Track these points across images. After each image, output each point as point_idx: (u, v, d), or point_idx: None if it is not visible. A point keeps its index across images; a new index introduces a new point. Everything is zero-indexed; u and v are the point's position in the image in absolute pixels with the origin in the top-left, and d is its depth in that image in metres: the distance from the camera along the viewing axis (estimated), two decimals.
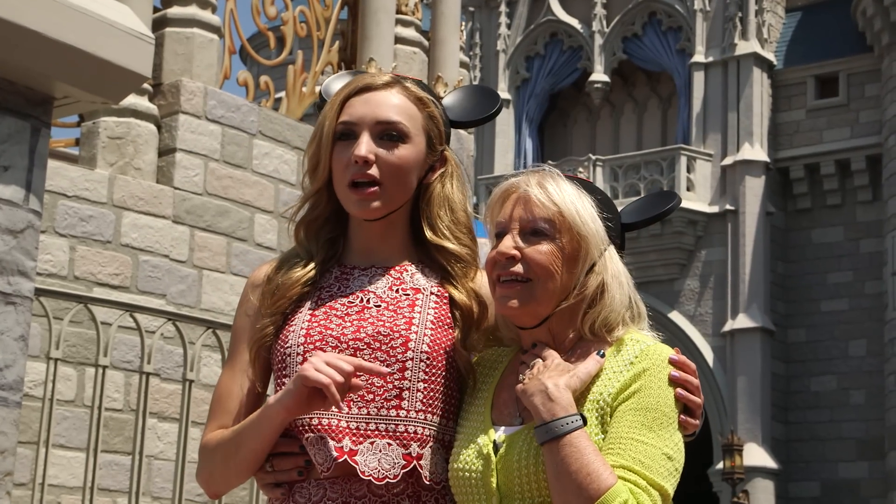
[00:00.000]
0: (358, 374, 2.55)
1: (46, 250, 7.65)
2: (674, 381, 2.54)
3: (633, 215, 2.77)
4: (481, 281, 2.75)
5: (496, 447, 2.56)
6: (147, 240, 8.24)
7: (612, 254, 2.64)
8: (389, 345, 2.65)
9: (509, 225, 2.62)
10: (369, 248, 2.78)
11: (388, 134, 2.71)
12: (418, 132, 2.75)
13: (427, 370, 2.65)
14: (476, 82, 31.93)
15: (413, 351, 2.65)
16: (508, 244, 2.59)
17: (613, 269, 2.63)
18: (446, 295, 2.74)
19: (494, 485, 2.54)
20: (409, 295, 2.72)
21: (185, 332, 7.03)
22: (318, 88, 10.27)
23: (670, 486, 2.49)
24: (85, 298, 7.10)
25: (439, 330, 2.69)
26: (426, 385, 2.65)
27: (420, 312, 2.70)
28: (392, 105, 2.73)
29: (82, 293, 7.45)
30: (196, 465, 2.83)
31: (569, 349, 2.63)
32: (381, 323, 2.67)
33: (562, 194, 2.60)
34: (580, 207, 2.60)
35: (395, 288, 2.73)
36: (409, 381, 2.64)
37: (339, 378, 2.51)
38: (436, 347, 2.67)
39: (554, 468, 2.44)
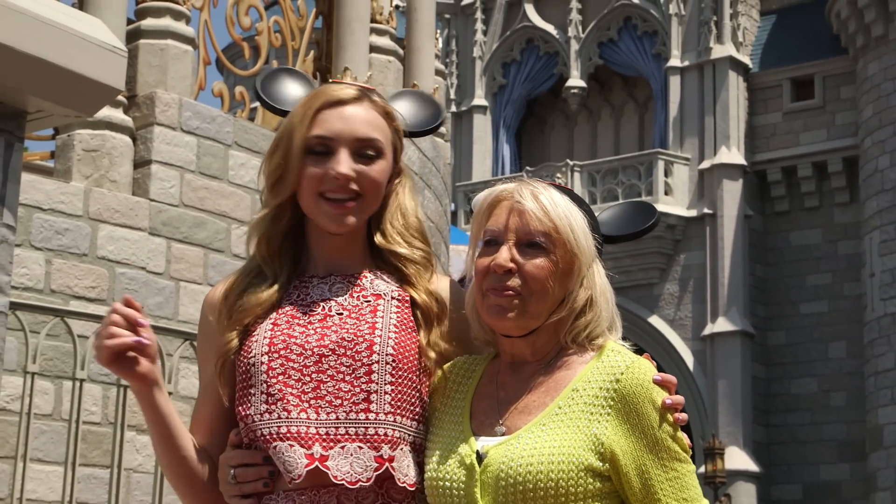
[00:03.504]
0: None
1: (22, 264, 7.61)
2: (667, 409, 2.55)
3: (612, 227, 2.79)
4: (439, 284, 2.78)
5: (479, 458, 2.55)
6: (123, 252, 8.20)
7: (598, 268, 2.65)
8: (354, 350, 2.66)
9: (505, 235, 2.61)
10: (330, 259, 2.78)
11: (366, 152, 2.71)
12: (388, 146, 2.77)
13: (394, 372, 2.65)
14: (453, 89, 31.98)
15: (378, 354, 2.65)
16: (506, 256, 2.59)
17: (601, 284, 2.64)
18: (407, 298, 2.75)
19: (478, 496, 2.52)
20: (370, 301, 2.72)
21: (162, 344, 7.00)
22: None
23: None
24: (62, 312, 7.07)
25: (403, 333, 2.70)
26: (394, 388, 2.65)
27: (383, 317, 2.70)
28: (368, 121, 2.73)
29: (59, 306, 7.42)
30: None
31: (550, 359, 2.64)
32: (345, 330, 2.67)
33: (556, 209, 2.60)
34: (574, 223, 2.61)
35: (355, 295, 2.73)
36: (377, 383, 2.63)
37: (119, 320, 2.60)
38: (401, 350, 2.67)
39: None
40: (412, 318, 2.73)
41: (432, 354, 2.71)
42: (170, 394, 6.82)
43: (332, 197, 2.68)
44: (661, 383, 2.57)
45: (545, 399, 2.58)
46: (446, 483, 2.56)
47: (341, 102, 2.72)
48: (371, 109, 2.74)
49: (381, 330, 2.67)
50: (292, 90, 2.83)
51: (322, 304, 2.72)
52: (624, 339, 2.69)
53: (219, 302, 2.77)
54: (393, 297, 2.74)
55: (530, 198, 2.61)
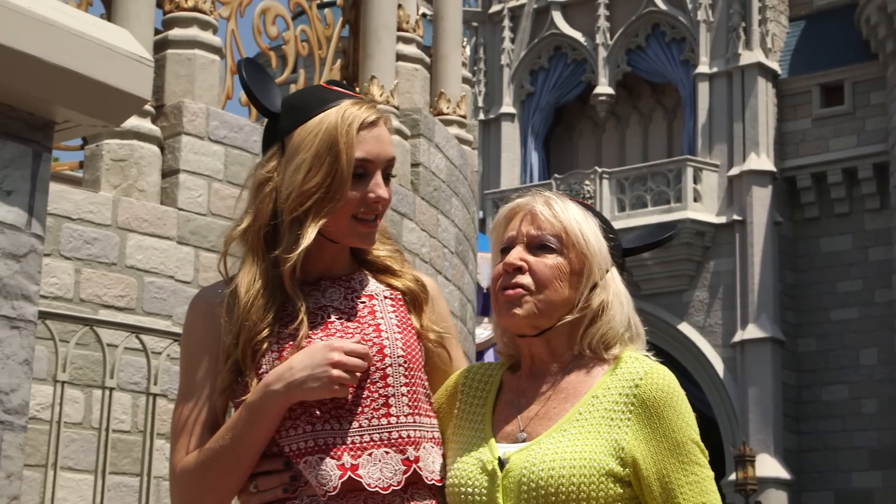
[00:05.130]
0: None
1: (52, 273, 7.65)
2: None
3: (632, 242, 2.85)
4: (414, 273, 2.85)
5: (502, 463, 2.57)
6: (152, 261, 8.24)
7: (614, 274, 2.70)
8: None
9: (517, 239, 2.67)
10: (325, 268, 2.78)
11: (388, 172, 2.76)
12: None
13: (406, 374, 2.69)
14: (480, 97, 31.98)
15: (391, 357, 2.68)
16: (515, 255, 2.65)
17: (615, 289, 2.69)
18: (398, 296, 2.79)
19: (500, 502, 2.55)
20: (365, 302, 2.75)
21: None
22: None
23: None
24: (91, 321, 7.11)
25: (406, 332, 2.74)
26: (409, 388, 2.69)
27: (384, 318, 2.73)
28: (390, 141, 2.77)
29: (88, 315, 7.45)
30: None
31: (566, 365, 2.67)
32: (350, 335, 2.68)
33: (566, 213, 2.67)
34: (584, 226, 2.66)
35: (349, 297, 2.75)
36: (393, 387, 2.67)
37: (362, 366, 2.59)
38: (408, 350, 2.71)
39: None
40: (408, 314, 2.77)
41: (432, 336, 2.76)
42: None
43: (364, 218, 2.71)
44: None
45: (565, 406, 2.62)
46: (468, 489, 2.59)
47: (373, 124, 2.73)
48: (385, 127, 2.77)
49: (387, 332, 2.70)
50: (273, 91, 2.81)
51: (319, 311, 2.72)
52: (649, 349, 2.71)
53: (217, 304, 2.72)
54: (385, 297, 2.77)
55: (542, 203, 2.69)
